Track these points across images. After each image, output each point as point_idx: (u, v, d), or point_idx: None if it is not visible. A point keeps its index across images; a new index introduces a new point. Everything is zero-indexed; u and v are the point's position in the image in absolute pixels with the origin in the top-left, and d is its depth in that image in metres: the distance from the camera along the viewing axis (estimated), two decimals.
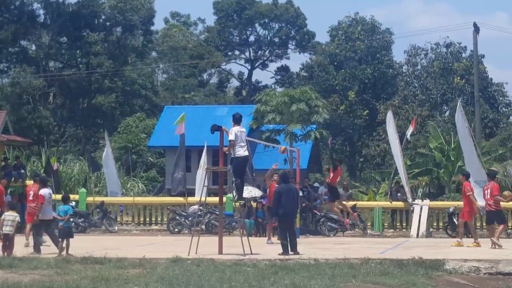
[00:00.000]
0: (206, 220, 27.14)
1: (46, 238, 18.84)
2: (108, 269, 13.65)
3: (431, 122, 48.45)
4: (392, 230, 28.57)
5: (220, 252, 17.03)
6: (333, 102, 56.57)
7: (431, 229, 27.70)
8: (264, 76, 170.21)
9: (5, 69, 62.54)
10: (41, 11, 60.92)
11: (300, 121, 35.70)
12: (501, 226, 20.59)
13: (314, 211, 27.46)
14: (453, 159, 38.94)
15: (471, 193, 20.59)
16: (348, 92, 59.27)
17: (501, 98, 58.85)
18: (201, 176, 29.90)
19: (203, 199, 18.96)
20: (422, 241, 23.99)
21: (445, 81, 57.78)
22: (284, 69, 74.00)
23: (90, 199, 30.58)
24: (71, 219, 18.66)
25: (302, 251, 17.15)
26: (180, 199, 30.45)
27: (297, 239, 17.98)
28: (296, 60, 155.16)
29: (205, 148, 31.27)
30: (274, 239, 21.26)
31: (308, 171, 42.28)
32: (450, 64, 58.70)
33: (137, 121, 53.47)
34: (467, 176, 21.47)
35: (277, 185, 19.43)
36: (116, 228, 29.07)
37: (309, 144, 40.15)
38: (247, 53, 75.17)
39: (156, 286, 11.84)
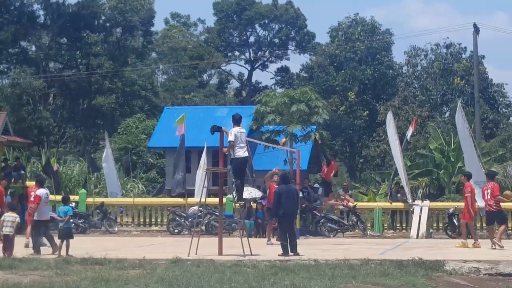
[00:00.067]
0: (206, 221, 27.14)
1: (45, 239, 18.85)
2: (108, 270, 13.65)
3: (431, 123, 48.45)
4: (392, 231, 28.56)
5: (220, 253, 17.03)
6: (333, 103, 56.59)
7: (431, 230, 27.69)
8: (264, 77, 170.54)
9: (5, 70, 62.58)
10: (41, 12, 61.08)
11: (300, 122, 35.67)
12: (502, 227, 20.56)
13: (314, 212, 27.45)
14: (453, 160, 38.94)
15: (469, 194, 20.55)
16: (348, 93, 59.28)
17: (501, 99, 58.84)
18: (201, 177, 29.90)
19: (203, 200, 18.96)
20: (422, 242, 23.97)
21: (445, 82, 57.79)
22: (284, 70, 74.02)
23: (90, 200, 30.57)
24: (71, 220, 18.63)
25: (302, 252, 17.14)
26: (180, 200, 30.45)
27: (297, 240, 17.96)
28: (296, 61, 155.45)
29: (205, 149, 31.26)
30: (274, 240, 21.26)
31: (308, 172, 42.27)
32: (450, 65, 58.70)
33: (137, 122, 53.46)
34: (468, 176, 21.35)
35: (277, 186, 19.42)
36: (116, 229, 29.07)
37: (309, 145, 40.11)
38: (247, 54, 75.23)
39: (156, 287, 11.84)
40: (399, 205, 28.97)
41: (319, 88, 55.63)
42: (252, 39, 74.35)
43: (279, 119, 35.85)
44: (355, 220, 27.53)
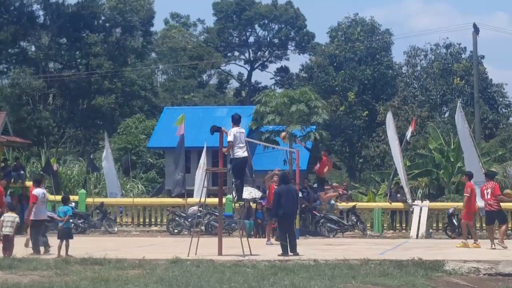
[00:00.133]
0: (206, 221, 27.15)
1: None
2: (108, 270, 13.65)
3: (430, 123, 48.45)
4: (391, 231, 28.56)
5: (220, 253, 17.03)
6: (333, 103, 56.59)
7: (430, 230, 27.69)
8: (264, 77, 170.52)
9: (5, 70, 62.57)
10: (41, 12, 61.05)
11: (300, 122, 35.68)
12: (503, 227, 20.56)
13: (314, 212, 27.44)
14: (452, 160, 38.94)
15: (467, 195, 20.54)
16: (347, 93, 59.29)
17: (500, 99, 58.88)
18: (200, 177, 29.91)
19: (202, 200, 18.97)
20: (421, 242, 23.97)
21: (444, 82, 57.81)
22: (283, 70, 74.04)
23: (89, 200, 30.56)
24: (71, 220, 18.63)
25: (302, 252, 17.14)
26: (180, 200, 30.46)
27: (297, 240, 17.96)
28: (295, 61, 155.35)
29: (205, 149, 31.26)
30: (273, 240, 21.25)
31: (308, 172, 42.22)
32: (449, 65, 58.73)
33: (136, 122, 53.45)
34: (470, 176, 21.28)
35: (276, 186, 19.42)
36: (116, 229, 29.06)
37: (308, 145, 40.11)
38: (246, 54, 75.24)
39: (155, 287, 11.84)
40: (398, 205, 28.97)
41: (318, 88, 55.63)
42: (251, 39, 74.48)
43: (279, 119, 35.85)
44: (355, 220, 27.53)
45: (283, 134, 26.50)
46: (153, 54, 69.75)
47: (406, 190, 28.88)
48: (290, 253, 16.92)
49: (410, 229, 27.45)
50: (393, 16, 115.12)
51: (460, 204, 24.06)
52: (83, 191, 31.18)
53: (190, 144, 35.94)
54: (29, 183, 25.53)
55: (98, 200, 30.95)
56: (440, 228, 28.24)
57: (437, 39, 76.85)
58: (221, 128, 17.69)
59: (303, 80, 62.51)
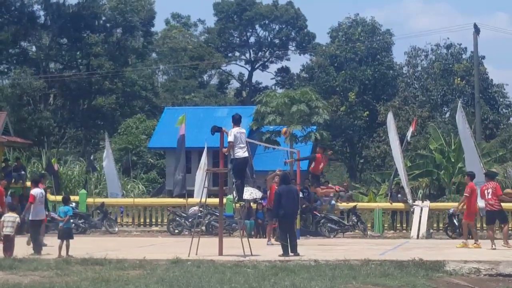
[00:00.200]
0: (206, 221, 27.14)
1: (46, 239, 18.86)
2: (108, 270, 13.65)
3: (431, 123, 48.41)
4: (392, 231, 28.56)
5: (220, 253, 17.03)
6: (333, 103, 56.59)
7: (431, 231, 27.67)
8: (265, 77, 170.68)
9: (6, 70, 62.60)
10: (41, 12, 61.14)
11: (301, 122, 35.72)
12: (505, 227, 20.55)
13: (314, 212, 27.45)
14: (453, 160, 38.91)
15: (467, 195, 20.54)
16: (348, 93, 59.27)
17: (501, 99, 58.85)
18: (201, 177, 29.91)
19: (203, 200, 18.96)
20: (422, 242, 23.97)
21: (445, 82, 57.79)
22: (284, 70, 74.03)
23: (90, 200, 30.57)
24: (71, 220, 18.64)
25: (302, 252, 17.13)
26: (180, 200, 30.45)
27: (297, 240, 17.96)
28: (296, 61, 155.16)
29: (205, 149, 31.27)
30: (274, 240, 21.25)
31: (308, 172, 42.21)
32: (450, 65, 58.71)
33: (137, 122, 53.47)
34: (472, 176, 21.24)
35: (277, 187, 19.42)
36: (116, 229, 29.06)
37: (309, 145, 40.14)
38: (247, 54, 75.25)
39: (156, 287, 11.84)
40: (399, 205, 28.96)
41: (319, 89, 55.65)
42: (252, 39, 74.48)
43: (280, 119, 35.90)
44: (355, 220, 27.53)
45: (284, 129, 26.52)
46: (154, 55, 69.79)
47: (407, 190, 28.87)
48: (290, 254, 16.92)
49: (410, 229, 27.43)
50: (394, 16, 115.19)
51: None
52: (83, 191, 31.19)
53: (191, 144, 35.95)
54: (29, 184, 25.55)
55: (99, 200, 30.95)
56: (440, 228, 28.23)
57: (437, 39, 77.26)
58: (222, 128, 17.68)
59: (304, 81, 62.51)
